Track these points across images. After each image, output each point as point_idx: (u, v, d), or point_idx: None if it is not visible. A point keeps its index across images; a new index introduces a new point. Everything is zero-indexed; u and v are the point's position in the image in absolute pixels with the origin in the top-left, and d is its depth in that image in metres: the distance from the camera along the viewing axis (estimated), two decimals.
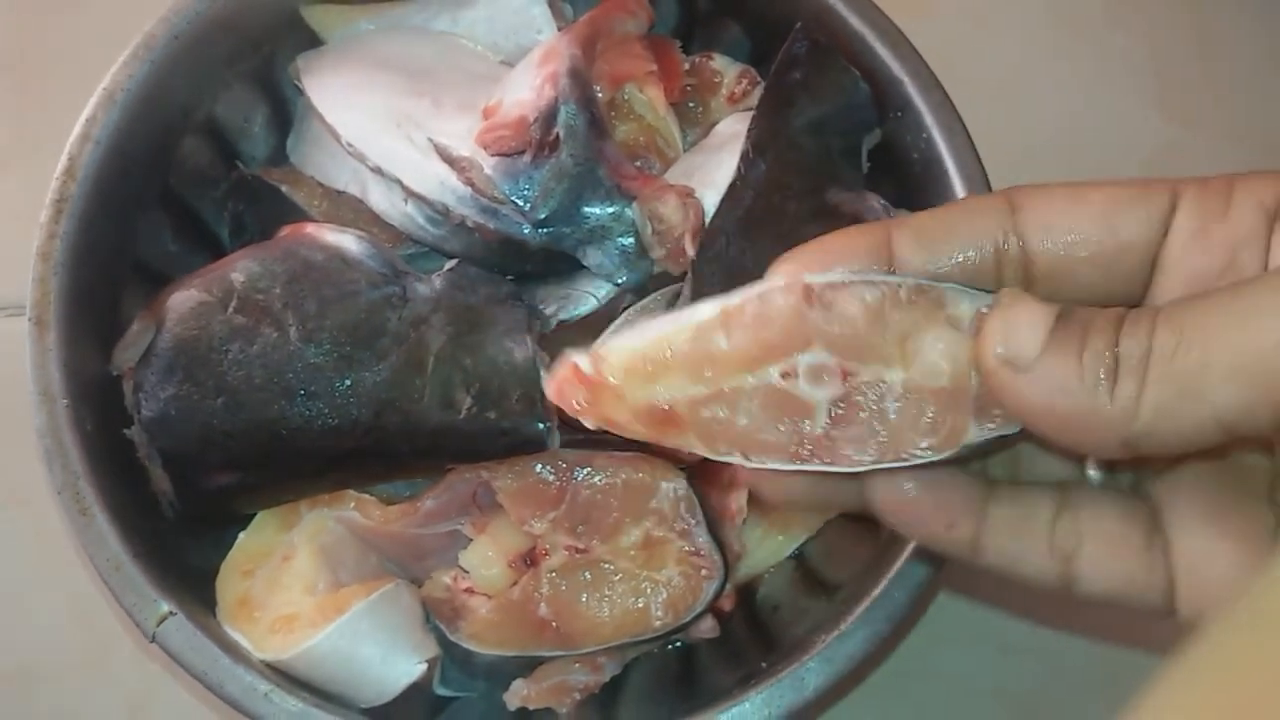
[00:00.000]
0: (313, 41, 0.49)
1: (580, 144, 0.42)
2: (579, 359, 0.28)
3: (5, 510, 0.52)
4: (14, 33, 0.59)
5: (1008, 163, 0.46)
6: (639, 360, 0.28)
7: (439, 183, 0.43)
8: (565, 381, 0.28)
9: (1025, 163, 0.57)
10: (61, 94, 0.58)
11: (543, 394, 0.41)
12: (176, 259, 0.47)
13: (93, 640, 0.50)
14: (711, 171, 0.45)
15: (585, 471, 0.41)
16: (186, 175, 0.47)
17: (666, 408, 0.28)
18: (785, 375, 0.28)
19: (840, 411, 0.27)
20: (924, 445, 0.27)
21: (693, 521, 0.41)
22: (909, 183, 0.46)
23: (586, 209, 0.42)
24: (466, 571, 0.42)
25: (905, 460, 0.27)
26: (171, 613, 0.38)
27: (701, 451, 0.28)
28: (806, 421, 0.27)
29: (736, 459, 0.28)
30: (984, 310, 0.27)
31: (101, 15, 0.59)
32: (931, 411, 0.27)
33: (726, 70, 0.49)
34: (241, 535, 0.42)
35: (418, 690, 0.41)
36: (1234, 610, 0.22)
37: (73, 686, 0.50)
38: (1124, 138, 0.58)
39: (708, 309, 0.28)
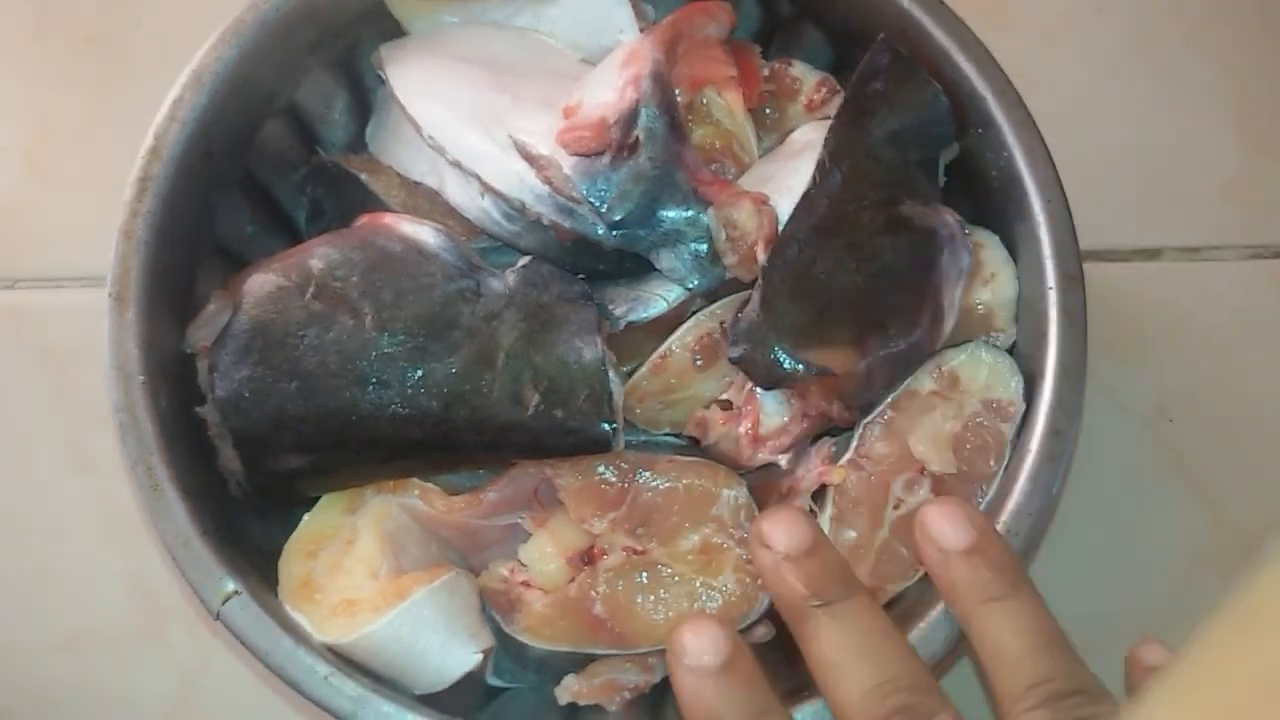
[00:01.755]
0: (395, 31, 0.49)
1: (660, 148, 0.42)
2: None
3: (72, 477, 0.53)
4: (105, 8, 0.60)
5: (1084, 183, 0.46)
6: None
7: (517, 179, 0.43)
8: None
9: (1100, 184, 0.56)
10: (146, 71, 0.59)
11: (610, 395, 0.41)
12: (252, 240, 0.48)
13: (149, 610, 0.51)
14: (787, 179, 0.45)
15: (647, 474, 0.41)
16: (266, 158, 0.48)
17: None
18: None
19: None
20: None
21: None
22: (986, 200, 0.46)
23: (662, 212, 0.43)
24: (524, 565, 0.43)
25: None
26: (236, 591, 0.38)
27: None
28: None
29: None
30: None
31: None
32: None
33: (805, 78, 0.49)
34: (306, 517, 0.43)
35: (470, 679, 0.42)
36: (1231, 610, 0.22)
37: (127, 655, 0.51)
38: (1201, 163, 0.58)
39: None
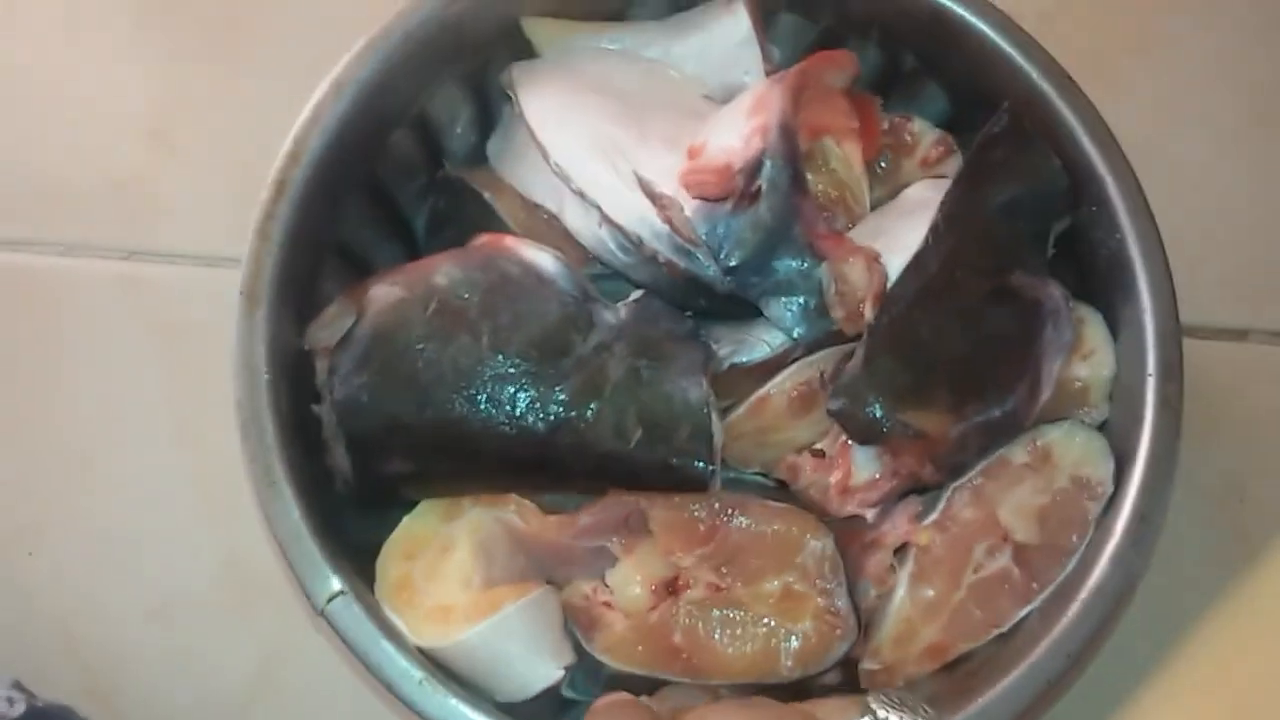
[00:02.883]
0: (526, 50, 0.50)
1: (780, 199, 0.43)
2: None
3: (173, 449, 0.55)
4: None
5: (1176, 256, 0.46)
6: None
7: (638, 215, 0.44)
8: None
9: (1195, 259, 0.56)
10: (277, 54, 0.61)
11: (711, 436, 0.42)
12: (371, 243, 0.50)
13: (237, 587, 0.53)
14: (900, 237, 0.46)
15: (738, 516, 0.43)
16: (392, 165, 0.50)
17: None
18: None
19: None
20: None
21: (835, 582, 0.42)
22: (1092, 276, 0.46)
23: (776, 262, 0.44)
24: (607, 586, 0.44)
25: None
26: (342, 591, 0.40)
27: None
28: None
29: None
30: None
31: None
32: None
33: (924, 135, 0.50)
34: (405, 519, 0.44)
35: (547, 691, 0.43)
36: (1229, 611, 0.23)
37: (213, 628, 0.53)
38: None
39: None
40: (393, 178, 0.50)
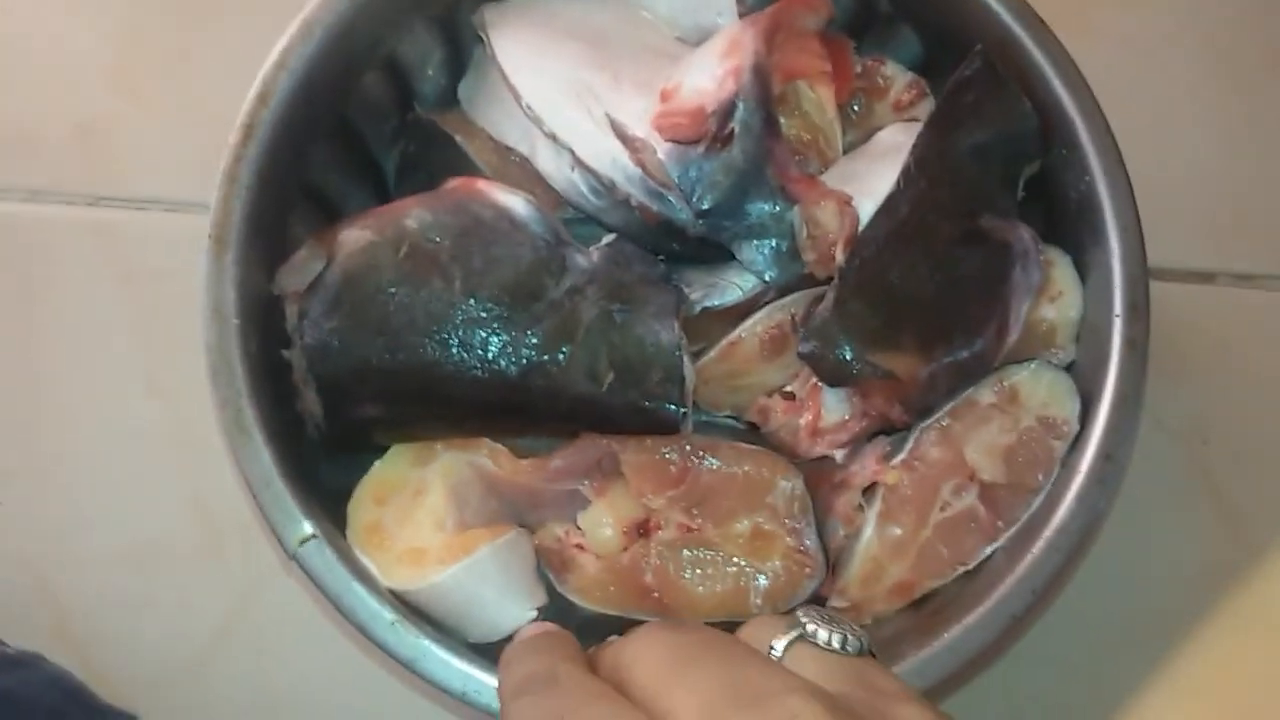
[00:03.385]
0: None
1: (753, 142, 0.43)
2: None
3: (143, 397, 0.55)
4: None
5: (1144, 200, 0.47)
6: None
7: (610, 159, 0.44)
8: None
9: (1162, 202, 0.56)
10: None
11: (683, 379, 0.42)
12: (340, 185, 0.49)
13: (208, 530, 0.54)
14: (871, 181, 0.46)
15: (709, 458, 0.43)
16: (361, 107, 0.49)
17: None
18: None
19: None
20: None
21: (804, 521, 0.43)
22: (1061, 219, 0.46)
23: (749, 205, 0.44)
24: (580, 529, 0.45)
25: None
26: (313, 535, 0.40)
27: None
28: None
29: None
30: None
31: None
32: None
33: (896, 78, 0.49)
34: (376, 464, 0.44)
35: (518, 631, 0.44)
36: (1230, 612, 0.23)
37: (185, 570, 0.53)
38: (1265, 191, 0.58)
39: None
40: (363, 120, 0.50)
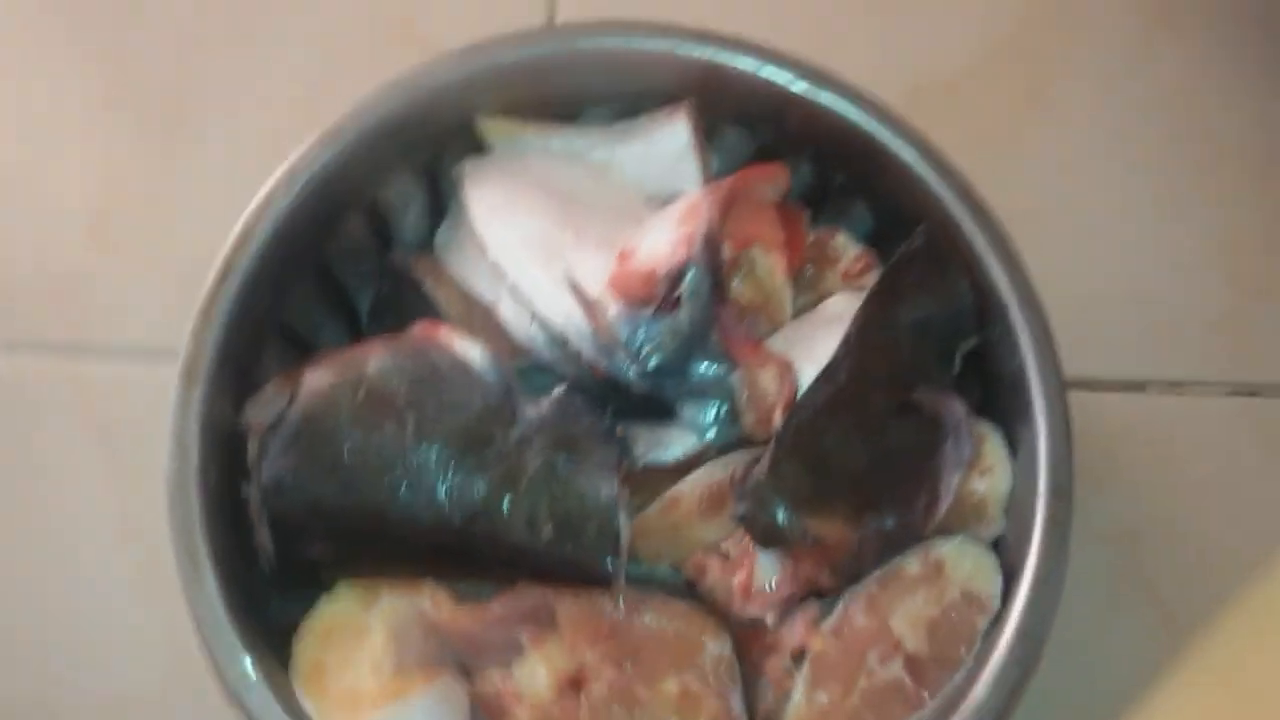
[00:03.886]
0: (481, 144, 0.52)
1: (699, 308, 0.45)
2: None
3: (120, 546, 0.56)
4: (177, 79, 0.63)
5: (1076, 311, 0.48)
6: None
7: (565, 315, 0.46)
8: None
9: (1093, 313, 0.59)
10: (216, 146, 0.61)
11: (617, 534, 0.44)
12: (315, 323, 0.52)
13: (189, 677, 0.53)
14: (814, 347, 0.48)
15: (642, 614, 0.44)
16: (342, 249, 0.51)
17: None
18: None
19: None
20: None
21: (730, 685, 0.44)
22: (996, 395, 0.48)
23: (693, 367, 0.46)
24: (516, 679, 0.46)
25: None
26: (253, 675, 0.42)
27: None
28: None
29: None
30: None
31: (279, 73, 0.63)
32: None
33: (847, 249, 0.52)
34: (322, 602, 0.46)
35: None
36: (1234, 611, 0.23)
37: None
38: (1192, 300, 0.60)
39: None
40: (341, 260, 0.52)
